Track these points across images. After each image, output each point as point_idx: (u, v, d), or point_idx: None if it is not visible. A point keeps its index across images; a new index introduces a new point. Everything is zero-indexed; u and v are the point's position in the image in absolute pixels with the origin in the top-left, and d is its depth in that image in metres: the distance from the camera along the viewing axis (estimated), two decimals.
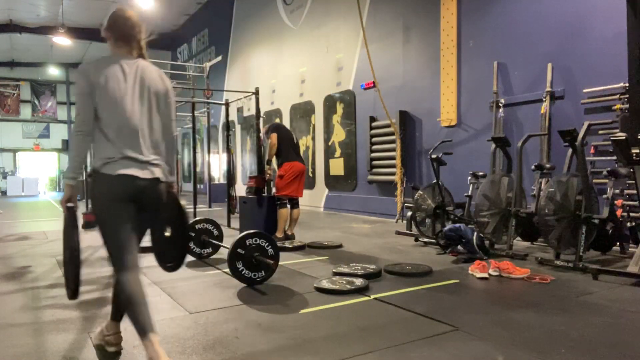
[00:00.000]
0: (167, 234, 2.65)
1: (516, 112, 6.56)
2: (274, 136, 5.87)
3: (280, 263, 4.16)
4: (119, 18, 2.42)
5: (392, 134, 8.42)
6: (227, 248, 3.96)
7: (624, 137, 4.06)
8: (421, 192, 6.20)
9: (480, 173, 6.04)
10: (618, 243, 4.94)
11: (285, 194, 5.88)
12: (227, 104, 8.81)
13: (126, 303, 2.25)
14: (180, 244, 2.69)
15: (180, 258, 2.67)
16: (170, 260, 2.70)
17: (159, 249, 2.69)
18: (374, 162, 9.04)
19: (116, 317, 2.52)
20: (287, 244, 5.71)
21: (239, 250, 3.86)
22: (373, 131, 9.03)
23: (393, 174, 8.41)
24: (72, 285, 2.32)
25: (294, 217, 6.08)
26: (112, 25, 2.42)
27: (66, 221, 2.32)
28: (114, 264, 2.33)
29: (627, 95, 5.17)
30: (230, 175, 8.63)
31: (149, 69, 2.42)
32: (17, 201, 16.95)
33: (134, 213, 2.34)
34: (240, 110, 14.65)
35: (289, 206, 5.98)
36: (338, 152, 10.29)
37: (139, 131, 2.32)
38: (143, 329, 2.14)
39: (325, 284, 3.82)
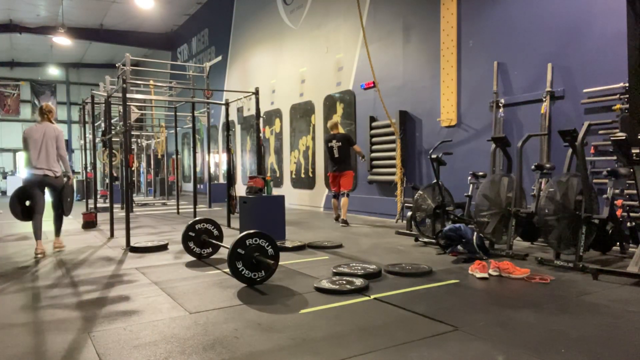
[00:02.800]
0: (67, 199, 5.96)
1: (516, 112, 6.56)
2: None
3: (280, 263, 4.17)
4: (40, 109, 5.79)
5: (392, 134, 8.42)
6: (227, 248, 3.96)
7: (624, 137, 4.06)
8: (421, 192, 6.20)
9: (480, 173, 6.03)
10: (618, 243, 4.95)
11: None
12: (227, 104, 8.81)
13: (33, 227, 5.61)
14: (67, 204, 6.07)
15: (70, 209, 6.02)
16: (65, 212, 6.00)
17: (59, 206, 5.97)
18: (374, 162, 9.04)
19: (40, 237, 5.64)
20: (288, 244, 5.73)
21: (239, 250, 3.86)
22: (373, 131, 9.03)
23: (393, 174, 8.41)
24: (20, 214, 5.64)
25: (342, 205, 7.98)
26: (38, 111, 5.78)
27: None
28: (32, 209, 5.60)
29: (627, 95, 5.17)
30: (230, 175, 8.63)
31: (50, 127, 5.67)
32: None
33: (42, 190, 5.63)
34: (240, 110, 14.65)
35: (335, 198, 8.22)
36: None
37: (43, 157, 5.54)
38: (36, 236, 5.60)
39: (325, 284, 3.82)
